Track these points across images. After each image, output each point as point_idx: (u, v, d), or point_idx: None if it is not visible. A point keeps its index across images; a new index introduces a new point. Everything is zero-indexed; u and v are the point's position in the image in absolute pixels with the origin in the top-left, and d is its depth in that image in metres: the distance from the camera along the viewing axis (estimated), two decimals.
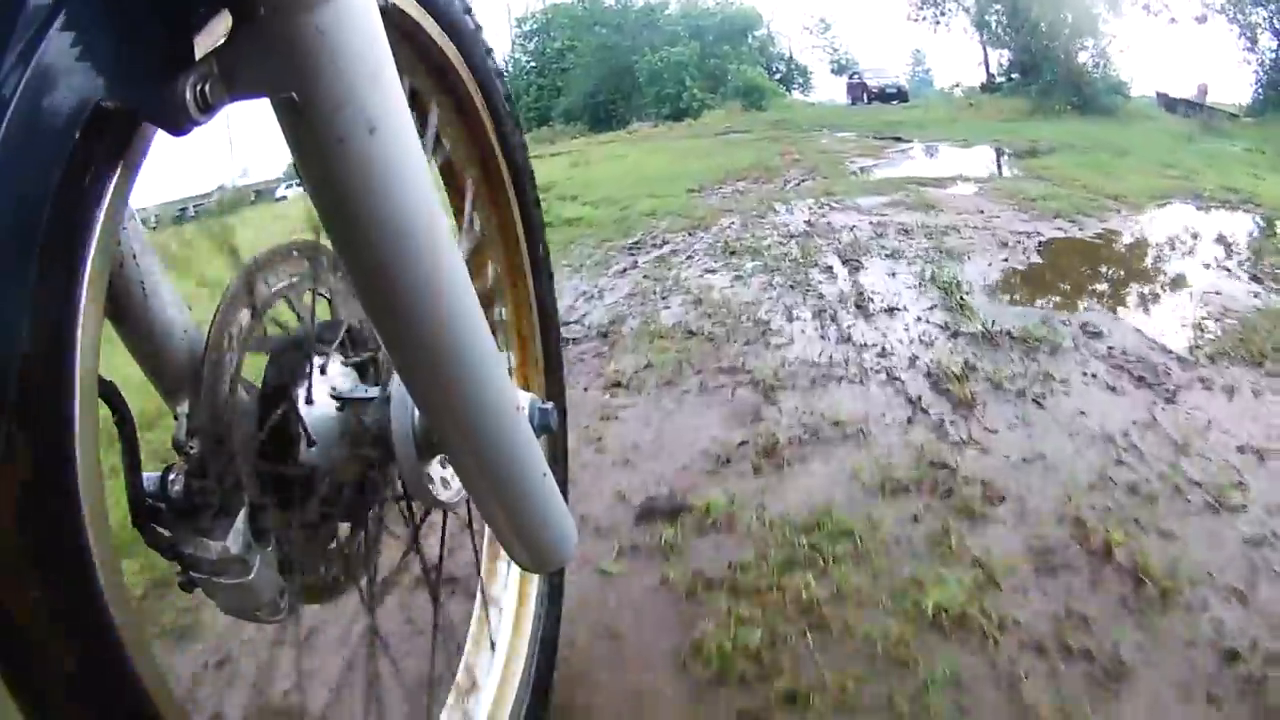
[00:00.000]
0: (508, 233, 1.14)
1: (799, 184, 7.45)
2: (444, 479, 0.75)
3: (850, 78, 30.44)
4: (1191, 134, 12.61)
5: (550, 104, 29.65)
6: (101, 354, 0.44)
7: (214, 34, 0.47)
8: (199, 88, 0.45)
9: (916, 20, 24.60)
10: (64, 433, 0.41)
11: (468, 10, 0.94)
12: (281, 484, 0.68)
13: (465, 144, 1.03)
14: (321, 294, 0.76)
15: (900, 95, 26.31)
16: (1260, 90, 17.49)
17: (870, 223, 5.09)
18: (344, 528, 0.79)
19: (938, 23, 24.13)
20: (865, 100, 26.10)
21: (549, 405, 0.77)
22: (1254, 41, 17.64)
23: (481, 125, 1.02)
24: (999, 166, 9.19)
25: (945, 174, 7.86)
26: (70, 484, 0.41)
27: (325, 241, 0.60)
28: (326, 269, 0.76)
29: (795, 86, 33.17)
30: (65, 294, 0.41)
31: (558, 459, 1.26)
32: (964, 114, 17.53)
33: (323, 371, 0.73)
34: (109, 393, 0.55)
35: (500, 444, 0.67)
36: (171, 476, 0.62)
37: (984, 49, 22.04)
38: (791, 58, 34.04)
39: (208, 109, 0.46)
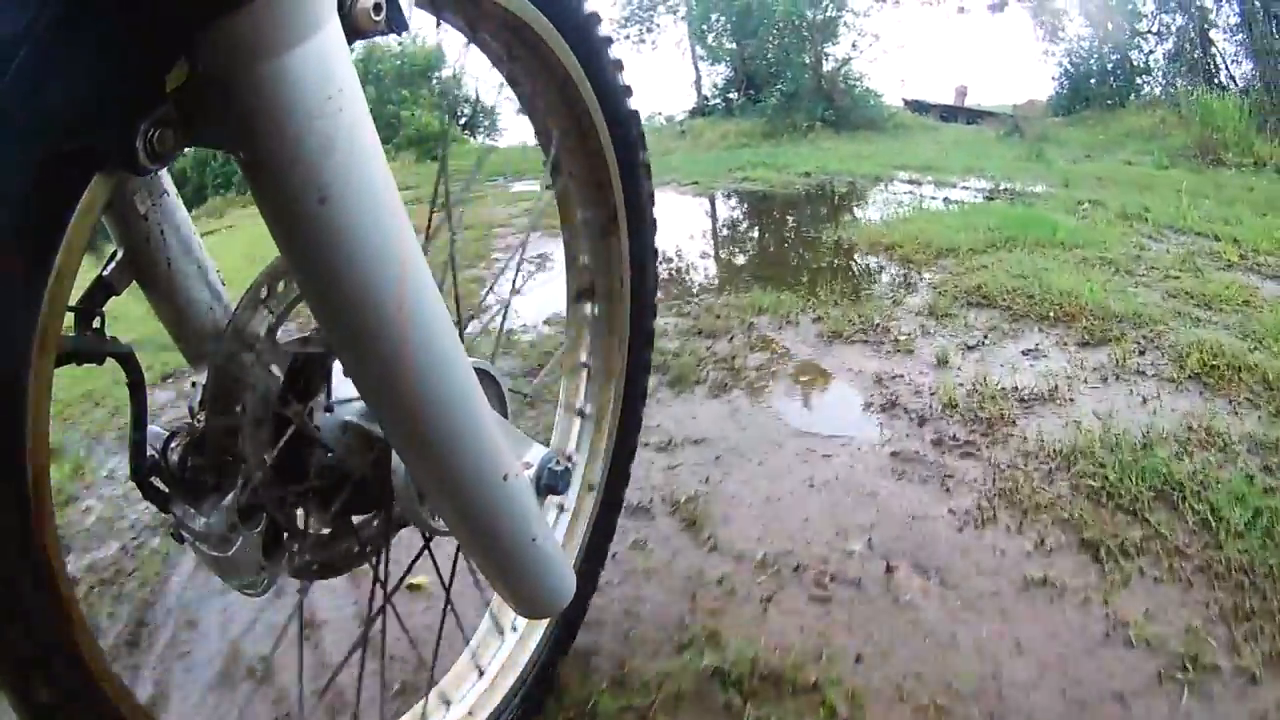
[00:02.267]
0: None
1: None
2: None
3: None
4: (1040, 148, 10.44)
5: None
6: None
7: (175, 80, 0.48)
8: (152, 135, 0.47)
9: (617, 40, 19.44)
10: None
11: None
12: (279, 473, 0.71)
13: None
14: None
15: None
16: (1065, 85, 16.02)
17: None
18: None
19: (642, 40, 19.23)
20: None
21: (561, 467, 0.80)
22: (1054, 32, 16.39)
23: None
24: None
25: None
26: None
27: None
28: None
29: (481, 130, 27.97)
30: (26, 307, 0.44)
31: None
32: (677, 145, 15.02)
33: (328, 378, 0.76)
34: (124, 355, 0.62)
35: (482, 511, 0.69)
36: (173, 444, 0.65)
37: (695, 67, 18.45)
38: (478, 98, 28.44)
39: (159, 158, 0.48)
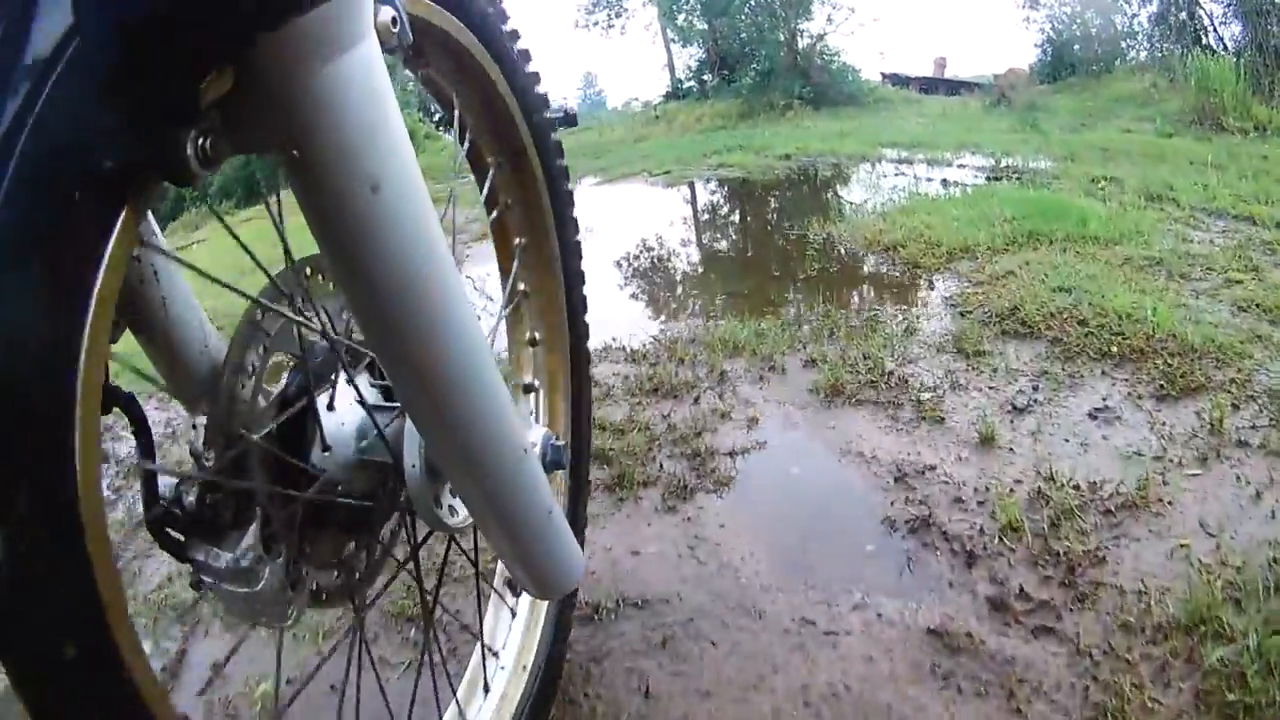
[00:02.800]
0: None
1: None
2: (451, 506, 0.80)
3: None
4: (1033, 118, 9.71)
5: None
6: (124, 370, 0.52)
7: (219, 89, 0.49)
8: (201, 143, 0.47)
9: (587, 27, 19.00)
10: (67, 434, 0.43)
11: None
12: (293, 501, 0.72)
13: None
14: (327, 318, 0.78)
15: (568, 120, 21.42)
16: (1049, 52, 15.21)
17: None
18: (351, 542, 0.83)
19: (610, 26, 18.39)
20: None
21: (563, 442, 0.82)
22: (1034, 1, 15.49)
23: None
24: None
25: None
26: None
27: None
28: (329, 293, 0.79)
29: (441, 124, 27.38)
30: (72, 320, 0.43)
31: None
32: (651, 130, 14.18)
33: (331, 407, 0.77)
34: (127, 403, 0.59)
35: (505, 485, 0.71)
36: (185, 488, 0.65)
37: (668, 49, 17.00)
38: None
39: (210, 163, 0.48)
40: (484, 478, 0.68)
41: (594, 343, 1.68)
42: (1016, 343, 2.63)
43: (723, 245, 5.09)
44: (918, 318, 2.96)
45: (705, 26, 16.16)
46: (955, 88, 15.64)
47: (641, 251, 4.88)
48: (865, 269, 3.83)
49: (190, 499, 0.64)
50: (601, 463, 2.05)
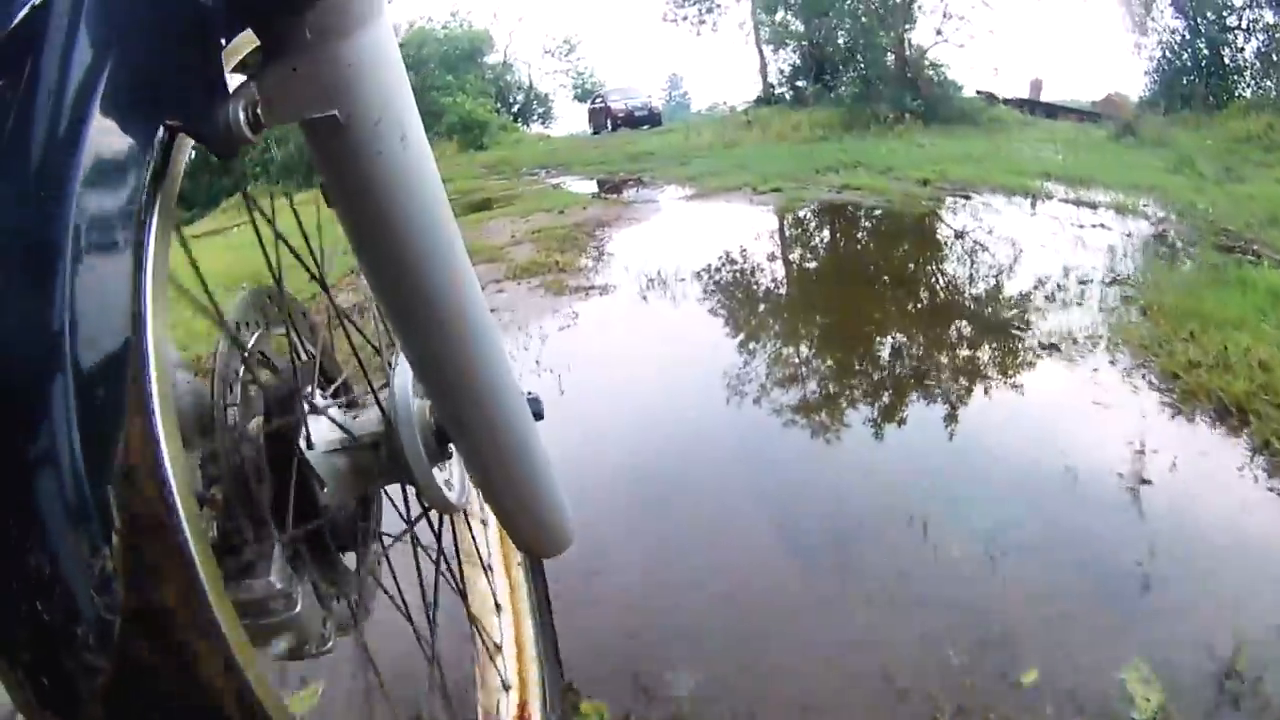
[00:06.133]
0: None
1: None
2: (447, 481, 0.79)
3: (593, 102, 25.35)
4: (1176, 156, 8.43)
5: None
6: None
7: (251, 60, 0.51)
8: (249, 110, 0.47)
9: (675, 21, 17.82)
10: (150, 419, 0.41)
11: None
12: (305, 515, 0.70)
13: None
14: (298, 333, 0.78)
15: (652, 119, 22.54)
16: (1159, 82, 14.15)
17: None
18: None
19: (701, 21, 17.14)
20: (610, 128, 22.33)
21: (533, 396, 0.82)
22: (1142, 26, 14.58)
23: None
24: None
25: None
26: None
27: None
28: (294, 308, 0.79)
29: (535, 117, 27.12)
30: (138, 301, 0.41)
31: None
32: (743, 136, 12.75)
33: (314, 410, 0.75)
34: None
35: (510, 429, 0.71)
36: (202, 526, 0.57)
37: (760, 51, 15.27)
38: (531, 85, 28.38)
39: (258, 129, 0.48)
40: (491, 423, 0.69)
41: None
42: None
43: (888, 353, 3.19)
44: None
45: (802, 27, 14.88)
46: (1053, 111, 14.74)
47: (735, 346, 3.33)
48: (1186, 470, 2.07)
49: (212, 535, 0.61)
50: None
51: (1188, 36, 14.01)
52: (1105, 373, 2.71)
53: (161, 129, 0.42)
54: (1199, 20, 13.72)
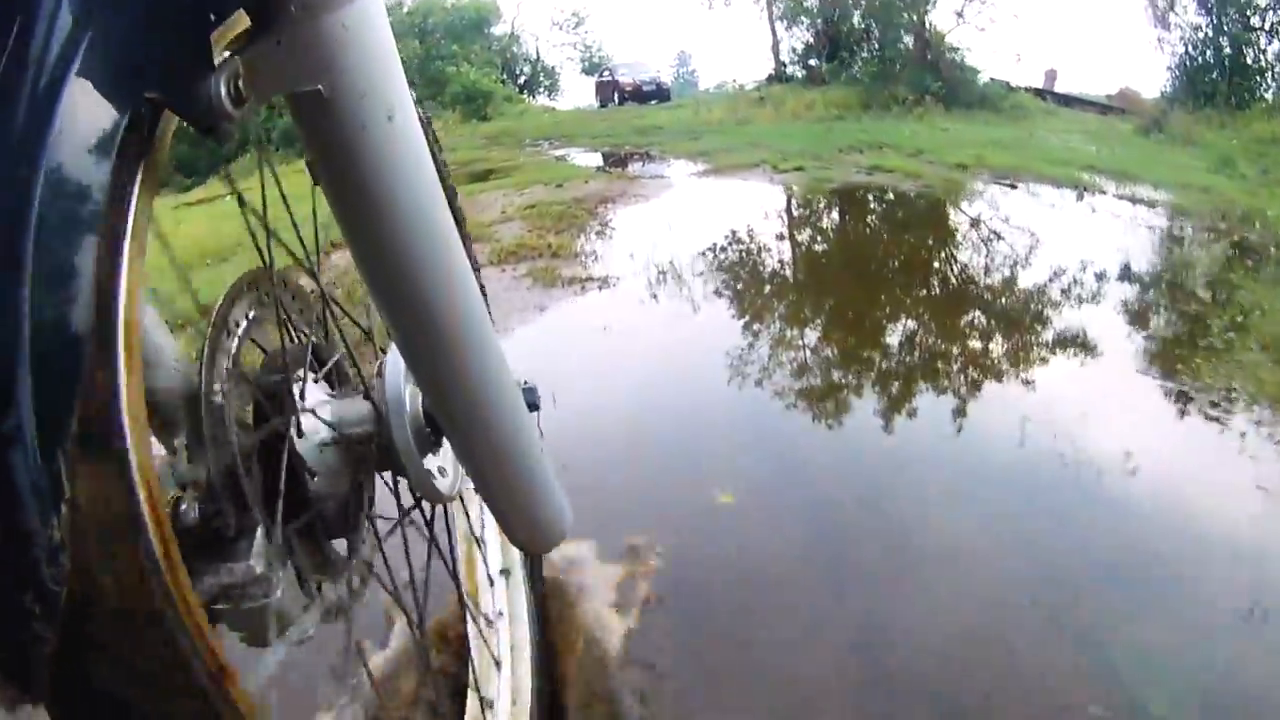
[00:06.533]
0: None
1: None
2: (440, 468, 0.77)
3: (599, 75, 24.83)
4: (1209, 154, 8.23)
5: None
6: None
7: (235, 34, 0.49)
8: (232, 84, 0.45)
9: None
10: (114, 394, 0.41)
11: None
12: (290, 499, 0.66)
13: None
14: (290, 319, 0.75)
15: (660, 94, 21.93)
16: (1179, 77, 13.79)
17: None
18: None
19: None
20: (617, 101, 21.65)
21: (530, 385, 0.79)
22: (1165, 21, 14.08)
23: None
24: None
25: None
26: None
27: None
28: (288, 293, 0.76)
29: (541, 90, 27.29)
30: (111, 275, 0.41)
31: None
32: (755, 113, 12.00)
33: (303, 396, 0.72)
34: None
35: (504, 420, 0.69)
36: (183, 507, 0.59)
37: (773, 28, 16.52)
38: (539, 57, 27.85)
39: (241, 104, 0.46)
40: (484, 413, 0.67)
41: None
42: None
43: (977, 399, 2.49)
44: None
45: (816, 4, 14.27)
46: (1068, 101, 14.47)
47: (762, 378, 2.58)
48: None
49: (192, 517, 0.58)
50: None
51: (1210, 34, 13.70)
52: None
53: (142, 102, 0.41)
54: (1223, 18, 13.42)
